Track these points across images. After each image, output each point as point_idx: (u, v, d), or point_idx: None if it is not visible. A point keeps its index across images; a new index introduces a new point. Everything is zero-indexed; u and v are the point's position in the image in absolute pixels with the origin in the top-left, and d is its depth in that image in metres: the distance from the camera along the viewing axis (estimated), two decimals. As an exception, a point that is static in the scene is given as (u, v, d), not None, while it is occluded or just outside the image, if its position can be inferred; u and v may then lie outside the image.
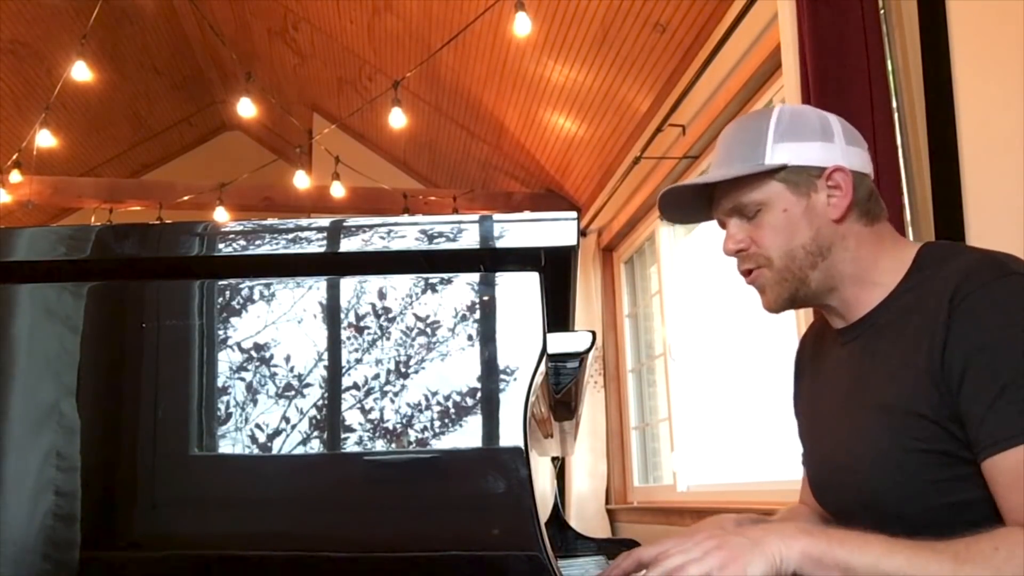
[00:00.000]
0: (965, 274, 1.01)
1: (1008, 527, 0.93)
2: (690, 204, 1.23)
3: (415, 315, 0.92)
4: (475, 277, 0.93)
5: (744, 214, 1.15)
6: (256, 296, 0.93)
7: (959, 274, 1.01)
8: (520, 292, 0.92)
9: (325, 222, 0.94)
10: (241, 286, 0.93)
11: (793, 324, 2.52)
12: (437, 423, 0.89)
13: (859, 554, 0.91)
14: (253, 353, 0.91)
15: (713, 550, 0.92)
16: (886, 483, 1.05)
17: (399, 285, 0.93)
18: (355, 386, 0.90)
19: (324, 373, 0.91)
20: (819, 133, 1.13)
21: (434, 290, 0.92)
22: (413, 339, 0.91)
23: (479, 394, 0.90)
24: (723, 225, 1.19)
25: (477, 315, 0.92)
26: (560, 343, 1.02)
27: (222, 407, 0.90)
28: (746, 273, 1.18)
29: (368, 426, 0.89)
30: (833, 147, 1.13)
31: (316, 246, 0.94)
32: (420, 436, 0.89)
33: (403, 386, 0.90)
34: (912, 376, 1.03)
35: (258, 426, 0.89)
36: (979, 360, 0.96)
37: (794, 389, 1.34)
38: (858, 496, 1.11)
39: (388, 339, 0.92)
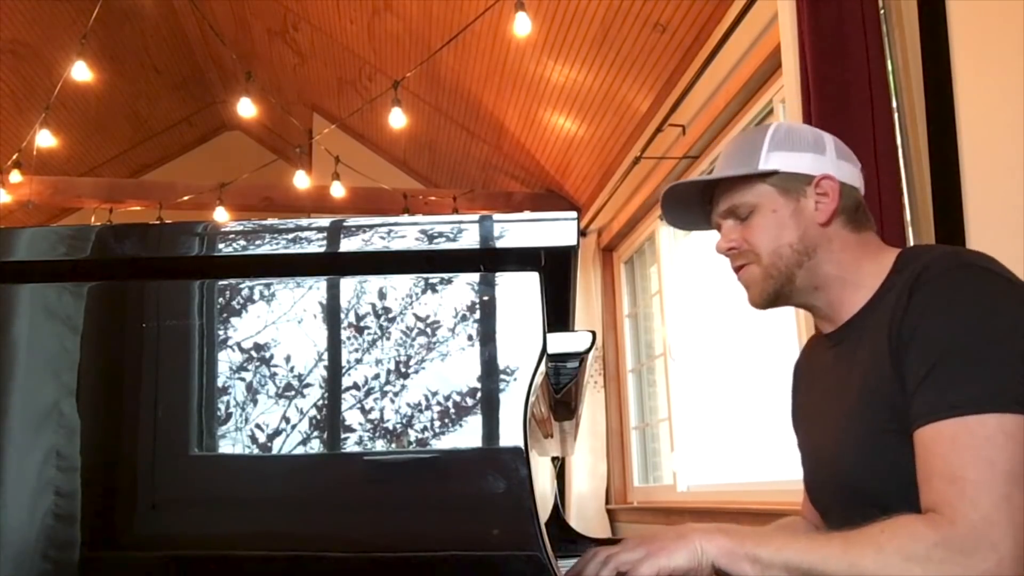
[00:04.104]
0: (926, 266, 1.07)
1: (903, 515, 0.98)
2: (692, 210, 1.31)
3: (415, 315, 0.92)
4: (475, 277, 0.93)
5: (738, 215, 1.22)
6: (256, 296, 0.93)
7: (922, 266, 1.08)
8: (520, 292, 0.92)
9: (325, 222, 0.94)
10: (241, 286, 0.93)
11: (793, 324, 2.52)
12: (437, 423, 0.89)
13: (763, 546, 1.01)
14: (253, 353, 0.91)
15: (644, 544, 1.04)
16: (864, 468, 1.10)
17: (399, 285, 0.93)
18: (355, 386, 0.90)
19: (324, 373, 0.91)
20: (812, 146, 1.21)
21: (434, 290, 0.92)
22: (413, 339, 0.91)
23: (479, 394, 0.89)
24: (719, 228, 1.26)
25: (477, 315, 0.92)
26: (560, 343, 1.02)
27: (222, 407, 0.90)
28: (737, 270, 1.25)
29: (368, 426, 0.89)
30: (824, 159, 1.20)
31: (316, 246, 0.94)
32: (420, 436, 0.89)
33: (403, 386, 0.90)
34: (879, 361, 1.08)
35: (258, 426, 0.89)
36: (918, 340, 1.03)
37: (792, 402, 1.38)
38: (841, 486, 1.16)
39: (388, 339, 0.91)
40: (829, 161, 1.20)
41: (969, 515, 0.92)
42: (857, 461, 1.10)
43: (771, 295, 1.21)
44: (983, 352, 0.99)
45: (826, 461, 1.20)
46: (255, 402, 0.90)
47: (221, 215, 4.84)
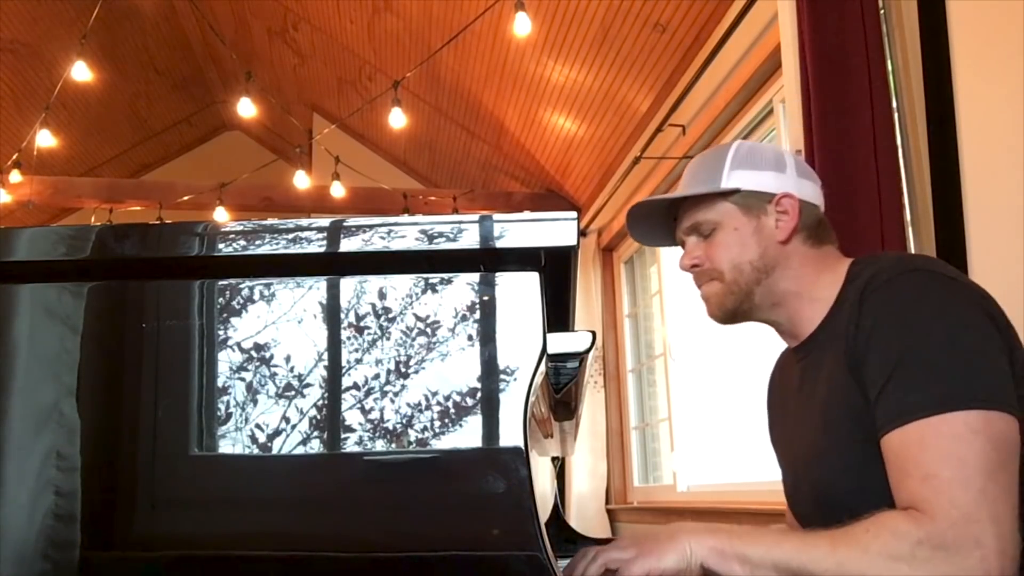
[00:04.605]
0: (875, 273, 1.10)
1: (884, 511, 0.98)
2: (657, 227, 1.34)
3: (415, 315, 0.92)
4: (475, 277, 0.93)
5: (700, 232, 1.26)
6: (256, 296, 0.93)
7: (868, 277, 1.10)
8: (520, 292, 0.92)
9: (325, 222, 0.94)
10: (241, 286, 0.93)
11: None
12: (437, 423, 0.89)
13: (753, 545, 1.01)
14: (253, 353, 0.91)
15: (635, 544, 1.05)
16: (837, 479, 1.11)
17: (399, 285, 0.93)
18: (355, 386, 0.90)
19: (324, 373, 0.91)
20: (773, 164, 1.24)
21: (434, 290, 0.92)
22: (413, 339, 0.91)
23: (479, 394, 0.90)
24: (683, 244, 1.30)
25: (477, 315, 0.92)
26: (560, 343, 1.02)
27: (222, 407, 0.90)
28: (700, 286, 1.29)
29: (368, 426, 0.89)
30: (785, 177, 1.23)
31: (316, 246, 0.94)
32: (420, 436, 0.89)
33: (403, 386, 0.90)
34: (839, 373, 1.10)
35: (258, 426, 0.89)
36: (874, 349, 1.04)
37: (768, 417, 1.41)
38: (817, 498, 1.17)
39: (388, 339, 0.91)
40: (790, 179, 1.23)
41: (950, 512, 0.93)
42: (830, 472, 1.12)
43: (730, 311, 1.25)
44: (938, 353, 1.00)
45: (802, 474, 1.22)
46: (255, 402, 0.90)
47: (221, 215, 4.84)
